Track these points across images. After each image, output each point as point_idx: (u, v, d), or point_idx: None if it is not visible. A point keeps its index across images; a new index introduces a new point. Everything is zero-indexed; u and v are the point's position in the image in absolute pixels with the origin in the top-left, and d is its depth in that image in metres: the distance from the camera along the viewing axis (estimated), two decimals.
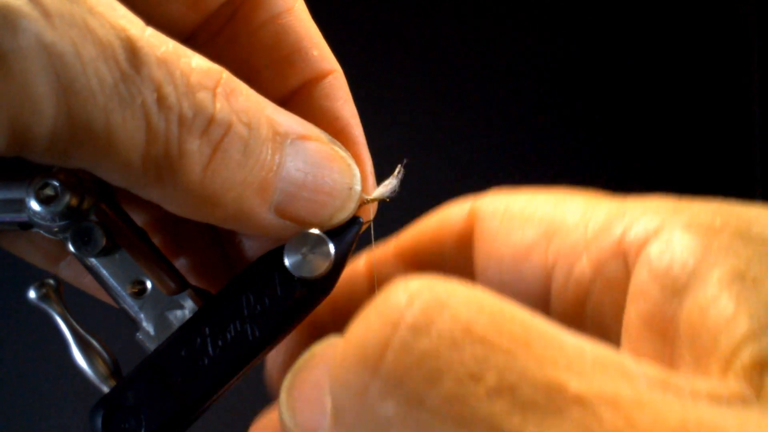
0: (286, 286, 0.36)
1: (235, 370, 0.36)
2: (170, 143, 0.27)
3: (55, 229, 0.35)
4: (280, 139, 0.31)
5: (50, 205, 0.35)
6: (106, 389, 0.37)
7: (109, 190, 0.37)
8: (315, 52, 0.37)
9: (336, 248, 0.36)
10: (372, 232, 0.39)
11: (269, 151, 0.31)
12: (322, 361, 0.26)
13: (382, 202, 0.39)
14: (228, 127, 0.29)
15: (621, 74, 1.14)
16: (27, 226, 0.36)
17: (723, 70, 1.12)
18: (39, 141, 0.26)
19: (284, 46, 0.36)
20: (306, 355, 0.27)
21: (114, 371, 0.37)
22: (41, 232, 0.36)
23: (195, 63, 0.29)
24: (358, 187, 0.35)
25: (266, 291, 0.36)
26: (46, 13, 0.24)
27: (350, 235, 0.37)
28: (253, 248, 0.40)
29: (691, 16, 1.13)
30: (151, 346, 0.36)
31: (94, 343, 0.37)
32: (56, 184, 0.35)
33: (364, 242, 0.39)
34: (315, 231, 0.36)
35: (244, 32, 0.37)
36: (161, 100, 0.27)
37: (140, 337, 0.37)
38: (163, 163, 0.28)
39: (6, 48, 0.24)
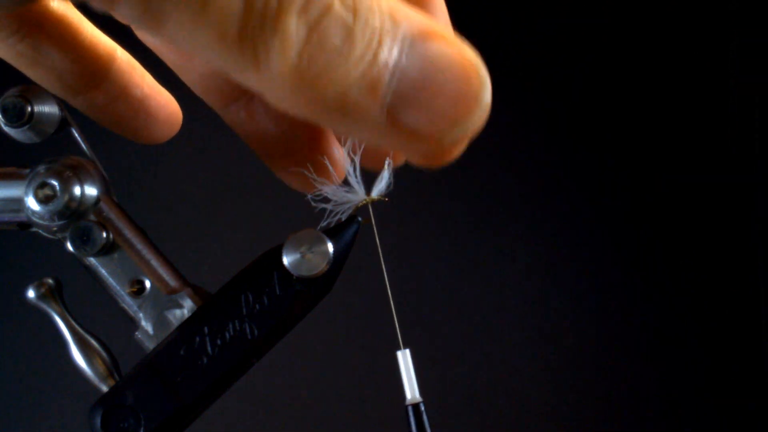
0: (285, 285, 0.36)
1: (234, 369, 0.36)
2: (267, 16, 0.25)
3: (54, 229, 0.35)
4: (398, 32, 0.27)
5: (49, 204, 0.35)
6: (105, 389, 0.36)
7: (108, 189, 0.37)
8: None
9: (335, 247, 0.36)
10: (375, 230, 0.39)
11: (381, 44, 0.27)
12: None
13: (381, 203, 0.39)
14: (327, 8, 0.26)
15: (619, 73, 1.14)
16: (26, 225, 0.36)
17: (722, 68, 1.12)
18: None
19: None
20: None
21: (113, 370, 0.37)
22: (40, 231, 0.36)
23: None
24: (487, 99, 0.29)
25: (265, 290, 0.36)
26: None
27: (349, 235, 0.37)
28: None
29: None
30: (150, 346, 0.36)
31: (93, 342, 0.37)
32: (55, 183, 0.35)
33: (363, 242, 0.39)
34: (314, 230, 0.36)
35: None
36: None
37: (139, 336, 0.37)
38: (260, 39, 0.25)
39: None
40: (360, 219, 0.37)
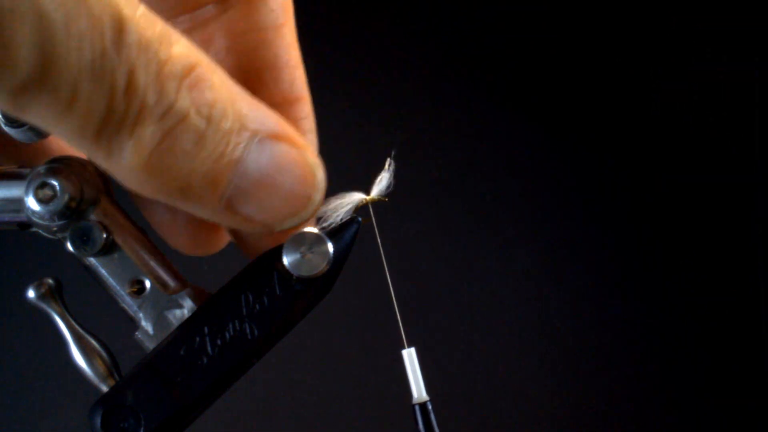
0: (285, 285, 0.36)
1: (234, 369, 0.36)
2: (125, 123, 0.28)
3: (54, 229, 0.35)
4: (247, 135, 0.31)
5: (49, 204, 0.35)
6: (105, 388, 0.36)
7: (108, 189, 0.37)
8: (287, 77, 0.38)
9: (335, 247, 0.36)
10: (375, 229, 0.39)
11: (230, 145, 0.30)
12: None
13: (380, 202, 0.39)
14: (183, 118, 0.29)
15: (619, 74, 1.14)
16: (26, 225, 0.36)
17: (722, 68, 1.12)
18: (4, 90, 0.26)
19: (259, 61, 0.37)
20: None
21: (113, 370, 0.37)
22: (40, 231, 0.36)
23: (176, 50, 0.29)
24: (317, 198, 0.33)
25: (265, 290, 0.36)
26: None
27: (349, 235, 0.37)
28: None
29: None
30: (150, 346, 0.36)
31: (93, 342, 0.37)
32: (55, 183, 0.35)
33: (363, 242, 0.39)
34: (314, 230, 0.36)
35: (228, 33, 0.37)
36: (130, 84, 0.28)
37: (139, 336, 0.37)
38: (115, 138, 0.28)
39: (4, 7, 0.25)
40: (360, 219, 0.37)
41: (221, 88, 0.30)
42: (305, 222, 0.34)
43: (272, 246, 0.37)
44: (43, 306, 0.37)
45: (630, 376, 1.11)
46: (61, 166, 0.36)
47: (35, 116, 0.28)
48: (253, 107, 0.31)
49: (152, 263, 0.37)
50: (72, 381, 1.02)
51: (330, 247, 0.36)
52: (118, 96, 0.27)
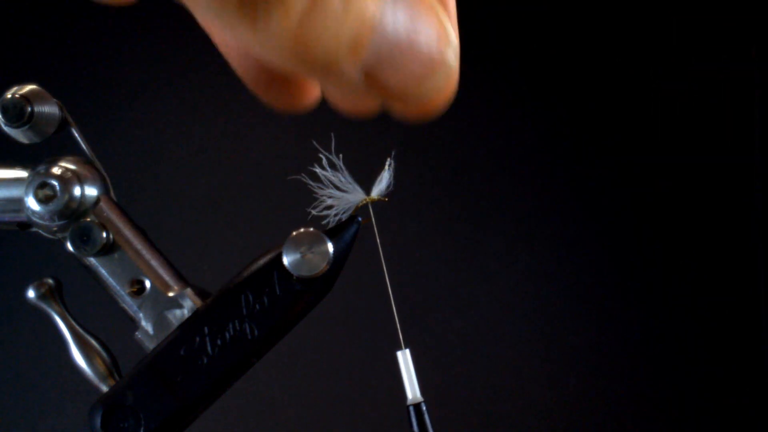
0: (285, 285, 0.36)
1: (234, 369, 0.36)
2: None
3: (54, 229, 0.35)
4: None
5: (49, 204, 0.35)
6: (105, 388, 0.36)
7: (108, 189, 0.37)
8: None
9: (335, 247, 0.36)
10: (375, 229, 0.39)
11: (371, 4, 0.28)
12: None
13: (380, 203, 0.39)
14: None
15: (619, 74, 1.14)
16: (26, 225, 0.36)
17: (722, 66, 1.12)
18: None
19: None
20: None
21: (113, 370, 0.37)
22: (40, 231, 0.36)
23: None
24: (451, 56, 0.31)
25: (265, 290, 0.36)
26: None
27: (349, 235, 0.37)
28: None
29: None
30: (150, 346, 0.36)
31: (93, 342, 0.37)
32: (55, 183, 0.35)
33: (363, 242, 0.39)
34: (314, 230, 0.36)
35: None
36: None
37: (139, 336, 0.37)
38: (262, 5, 0.26)
39: None
40: (360, 219, 0.37)
41: None
42: (442, 87, 0.31)
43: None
44: (43, 306, 0.37)
45: (630, 375, 1.11)
46: (61, 166, 0.36)
47: None
48: None
49: (152, 263, 0.37)
50: (72, 381, 1.02)
51: (330, 247, 0.36)
52: None
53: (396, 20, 0.29)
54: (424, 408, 0.38)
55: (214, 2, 0.26)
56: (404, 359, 0.39)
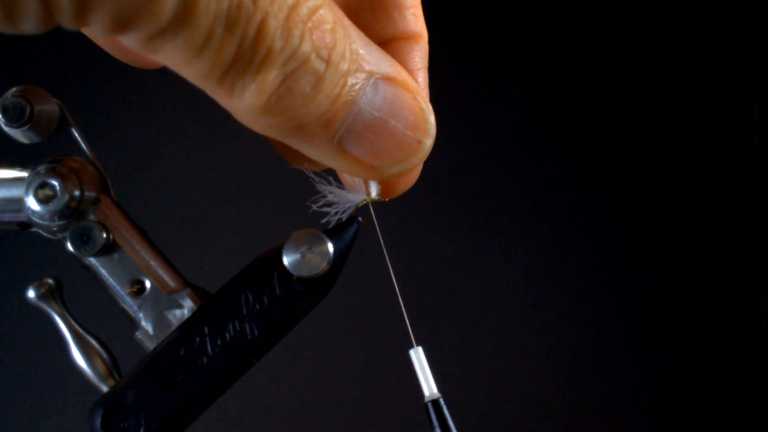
0: (285, 285, 0.36)
1: (234, 369, 0.36)
2: (250, 67, 0.28)
3: (54, 229, 0.35)
4: (363, 76, 0.31)
5: (49, 204, 0.35)
6: (105, 388, 0.36)
7: (108, 189, 0.37)
8: (413, 14, 0.38)
9: (335, 247, 0.36)
10: (377, 228, 0.39)
11: (346, 86, 0.30)
12: None
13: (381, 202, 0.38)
14: (305, 61, 0.29)
15: (619, 75, 1.14)
16: (26, 225, 0.36)
17: (722, 65, 1.12)
18: (142, 33, 0.27)
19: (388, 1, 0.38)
20: None
21: (113, 370, 0.37)
22: (40, 231, 0.36)
23: None
24: (428, 143, 0.33)
25: (265, 290, 0.36)
26: None
27: (349, 235, 0.37)
28: None
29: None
30: (150, 346, 0.36)
31: (93, 342, 0.37)
32: (55, 183, 0.35)
33: (362, 242, 0.39)
34: (314, 230, 0.36)
35: None
36: (260, 31, 0.28)
37: (139, 336, 0.37)
38: (239, 81, 0.29)
39: None
40: (360, 219, 0.37)
41: (339, 29, 0.30)
42: (413, 169, 0.34)
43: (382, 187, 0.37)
44: (43, 306, 0.37)
45: (630, 375, 1.11)
46: (61, 166, 0.36)
47: (165, 57, 0.28)
48: (368, 48, 0.31)
49: (152, 263, 0.37)
50: (72, 381, 1.02)
51: (330, 247, 0.36)
52: (247, 42, 0.28)
53: (374, 103, 0.31)
54: (442, 403, 0.38)
55: (198, 74, 0.29)
56: (417, 357, 0.39)
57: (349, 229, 0.37)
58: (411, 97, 0.32)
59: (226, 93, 0.29)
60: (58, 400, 1.06)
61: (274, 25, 0.28)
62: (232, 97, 0.30)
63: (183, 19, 0.26)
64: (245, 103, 0.30)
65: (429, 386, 0.39)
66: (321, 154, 0.32)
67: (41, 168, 0.35)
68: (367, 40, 0.32)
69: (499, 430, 1.11)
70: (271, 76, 0.29)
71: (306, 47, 0.29)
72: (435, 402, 0.38)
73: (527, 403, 1.10)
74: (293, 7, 0.28)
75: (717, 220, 1.11)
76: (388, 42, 0.37)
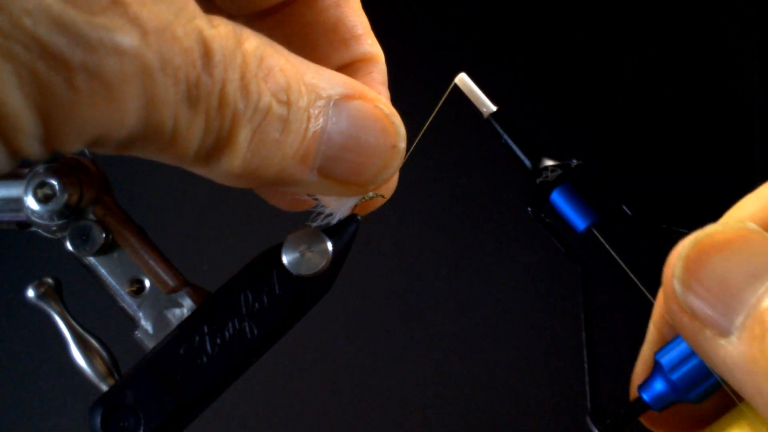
0: (285, 284, 0.36)
1: (233, 368, 0.36)
2: (221, 136, 0.29)
3: (54, 228, 0.35)
4: (322, 103, 0.32)
5: (48, 203, 0.35)
6: (104, 388, 0.36)
7: (108, 188, 0.37)
8: (369, 41, 0.39)
9: (334, 246, 0.36)
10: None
11: (311, 119, 0.31)
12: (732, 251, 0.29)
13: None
14: (268, 111, 0.30)
15: (619, 75, 1.14)
16: (25, 225, 0.36)
17: (722, 65, 1.12)
18: (112, 143, 0.27)
19: (342, 30, 0.39)
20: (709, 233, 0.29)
21: (113, 370, 0.37)
22: (39, 231, 0.36)
23: (247, 47, 0.29)
24: (402, 145, 0.34)
25: (264, 289, 0.36)
26: (144, 33, 0.26)
27: (348, 233, 0.37)
28: None
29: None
30: (150, 345, 0.36)
31: (93, 341, 0.37)
32: (54, 182, 0.35)
33: (362, 240, 0.39)
34: (314, 229, 0.36)
35: (308, 11, 0.39)
36: (222, 99, 0.28)
37: (138, 335, 0.37)
38: (213, 151, 0.29)
39: (111, 73, 0.25)
40: (359, 218, 0.37)
41: (288, 67, 0.31)
42: (394, 173, 0.35)
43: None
44: (43, 306, 0.37)
45: (630, 375, 1.11)
46: (61, 165, 0.36)
47: (137, 153, 0.29)
48: (318, 73, 0.32)
49: (152, 262, 0.37)
50: (72, 381, 1.02)
51: (329, 245, 0.36)
52: (212, 114, 0.28)
53: (341, 125, 0.32)
54: (502, 113, 0.39)
55: (173, 159, 0.29)
56: (464, 82, 0.41)
57: (348, 228, 0.37)
58: (372, 107, 0.33)
59: (204, 168, 0.30)
60: (58, 400, 1.06)
61: (232, 88, 0.28)
62: (210, 169, 0.30)
63: (149, 121, 0.27)
64: (222, 169, 0.30)
65: (484, 103, 0.41)
66: (307, 187, 0.33)
67: (40, 167, 0.35)
68: (312, 65, 0.32)
69: (499, 430, 1.11)
70: (242, 136, 0.29)
71: (266, 98, 0.30)
72: (495, 114, 0.40)
73: (527, 403, 1.10)
74: (244, 65, 0.29)
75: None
76: (347, 66, 0.39)
